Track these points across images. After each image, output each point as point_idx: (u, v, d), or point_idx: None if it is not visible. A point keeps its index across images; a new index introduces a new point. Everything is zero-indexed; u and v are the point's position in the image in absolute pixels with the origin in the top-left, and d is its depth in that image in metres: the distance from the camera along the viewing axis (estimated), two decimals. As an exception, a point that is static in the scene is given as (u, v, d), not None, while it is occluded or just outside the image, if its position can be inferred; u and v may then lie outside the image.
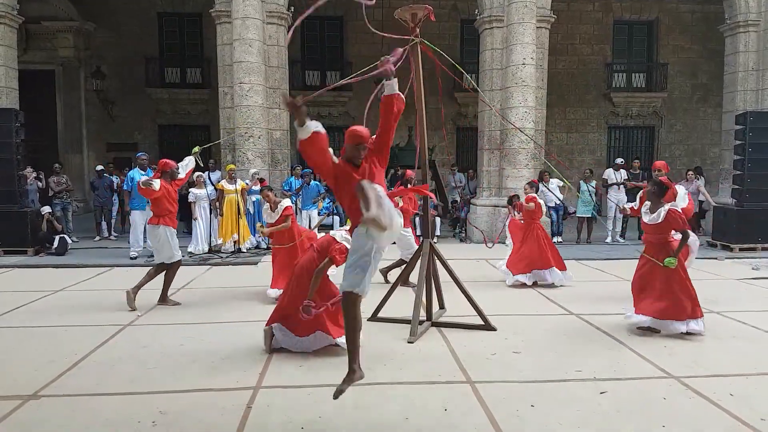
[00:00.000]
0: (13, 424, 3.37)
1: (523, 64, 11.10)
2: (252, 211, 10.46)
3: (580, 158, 17.34)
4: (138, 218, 9.56)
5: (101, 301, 6.44)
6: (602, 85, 17.51)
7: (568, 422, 3.35)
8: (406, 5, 5.22)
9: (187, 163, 6.65)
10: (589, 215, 11.36)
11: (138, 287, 6.18)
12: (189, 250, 9.76)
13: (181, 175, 6.52)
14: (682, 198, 6.17)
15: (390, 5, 14.92)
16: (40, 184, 11.57)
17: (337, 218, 11.75)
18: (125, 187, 10.15)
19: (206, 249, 9.98)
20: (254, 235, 10.32)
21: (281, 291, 5.71)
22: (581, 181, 11.74)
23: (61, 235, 10.07)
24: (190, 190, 10.09)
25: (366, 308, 5.73)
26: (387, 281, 7.20)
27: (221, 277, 8.19)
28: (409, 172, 7.76)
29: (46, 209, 10.48)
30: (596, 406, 3.57)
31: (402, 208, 6.84)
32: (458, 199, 12.96)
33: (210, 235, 10.05)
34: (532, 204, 7.54)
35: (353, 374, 3.33)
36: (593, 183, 11.69)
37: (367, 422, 3.37)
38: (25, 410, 3.56)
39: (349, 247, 3.80)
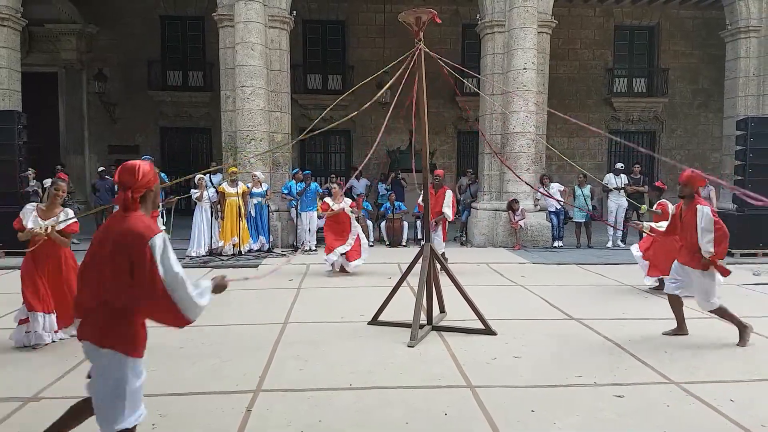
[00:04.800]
0: (13, 426, 3.37)
1: (524, 68, 11.12)
2: (254, 214, 10.45)
3: (581, 163, 17.31)
4: None
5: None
6: (603, 90, 17.55)
7: (568, 427, 3.34)
8: (410, 9, 5.21)
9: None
10: (584, 220, 11.33)
11: None
12: (187, 253, 9.76)
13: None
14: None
15: (392, 10, 15.06)
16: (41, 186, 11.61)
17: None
18: None
19: (204, 252, 9.98)
20: (254, 239, 10.37)
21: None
22: (576, 186, 11.73)
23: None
24: (192, 191, 10.14)
25: (367, 312, 5.77)
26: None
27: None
28: (439, 171, 8.67)
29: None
30: (597, 412, 3.56)
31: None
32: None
33: (211, 238, 10.04)
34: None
35: None
36: (588, 188, 11.67)
37: (367, 426, 3.37)
38: (24, 412, 3.56)
39: None
